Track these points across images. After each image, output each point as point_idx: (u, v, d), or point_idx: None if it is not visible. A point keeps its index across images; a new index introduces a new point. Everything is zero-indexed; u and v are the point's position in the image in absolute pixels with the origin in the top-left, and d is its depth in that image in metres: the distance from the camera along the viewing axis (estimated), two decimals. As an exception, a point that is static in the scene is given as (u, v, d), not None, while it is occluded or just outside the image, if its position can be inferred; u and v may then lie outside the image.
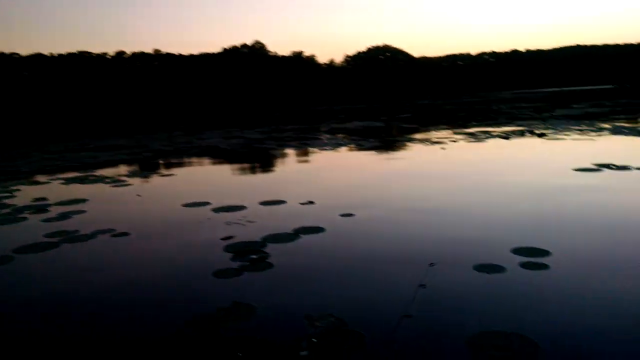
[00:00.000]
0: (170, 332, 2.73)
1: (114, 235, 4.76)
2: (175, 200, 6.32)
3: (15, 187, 7.96)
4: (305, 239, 4.35)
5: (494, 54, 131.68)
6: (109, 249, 4.37)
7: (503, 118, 21.15)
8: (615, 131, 12.73)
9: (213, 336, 2.66)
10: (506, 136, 12.82)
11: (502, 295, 3.00)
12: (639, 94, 46.66)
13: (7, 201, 6.78)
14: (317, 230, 4.59)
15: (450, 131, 15.44)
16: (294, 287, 3.31)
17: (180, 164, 10.57)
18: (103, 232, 4.89)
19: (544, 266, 3.41)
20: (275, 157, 11.28)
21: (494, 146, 11.08)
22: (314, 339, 2.52)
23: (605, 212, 4.87)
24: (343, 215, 5.09)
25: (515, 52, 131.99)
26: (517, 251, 3.72)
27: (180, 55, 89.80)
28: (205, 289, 3.35)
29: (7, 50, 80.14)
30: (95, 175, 8.96)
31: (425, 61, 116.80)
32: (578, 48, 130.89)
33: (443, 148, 10.90)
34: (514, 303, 2.89)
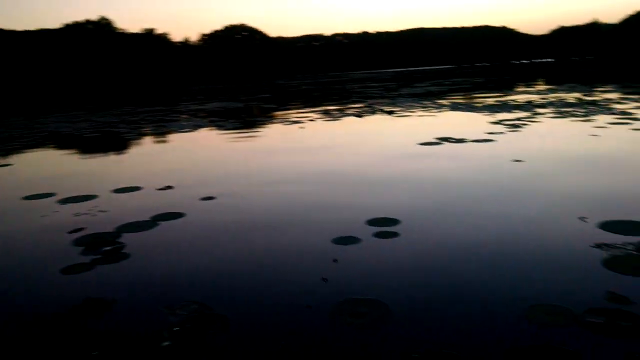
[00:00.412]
0: (15, 334, 2.48)
1: (-63, 238, 4.16)
2: (13, 193, 5.71)
3: None
4: (163, 225, 4.20)
5: (346, 35, 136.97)
6: None
7: (356, 97, 22.20)
8: (454, 107, 14.04)
9: (63, 336, 2.46)
10: (359, 114, 13.48)
11: (358, 265, 3.19)
12: (474, 74, 51.80)
13: None
14: (177, 215, 4.45)
15: (307, 110, 15.84)
16: (153, 277, 3.18)
17: (19, 153, 9.51)
18: None
19: (395, 234, 3.67)
20: (129, 141, 10.65)
21: (348, 124, 11.59)
22: (175, 328, 2.46)
23: (447, 181, 5.36)
24: (203, 199, 5.00)
25: (365, 34, 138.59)
26: (371, 222, 3.96)
27: (14, 31, 80.00)
28: (53, 287, 3.08)
29: None
30: None
31: (282, 41, 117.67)
32: (421, 31, 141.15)
33: (301, 127, 11.15)
34: (368, 271, 3.08)
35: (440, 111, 13.13)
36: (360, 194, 5.01)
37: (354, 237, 3.64)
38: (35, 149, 9.97)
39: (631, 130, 8.02)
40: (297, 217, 4.30)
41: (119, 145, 10.21)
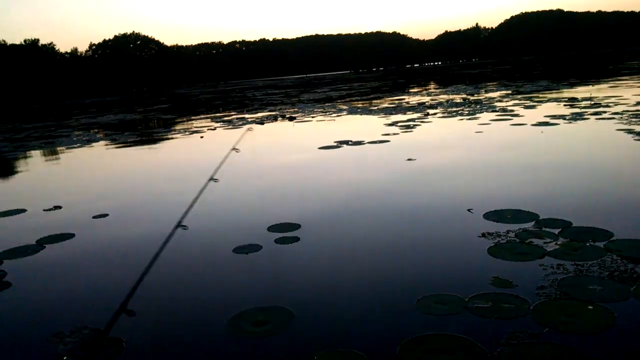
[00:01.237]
0: None
1: None
2: None
3: None
4: (50, 249, 3.91)
5: (244, 43, 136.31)
6: None
7: (257, 104, 22.16)
8: (351, 111, 14.45)
9: None
10: (261, 121, 13.47)
11: (260, 273, 3.18)
12: (370, 79, 53.65)
13: None
14: (66, 237, 4.17)
15: (208, 119, 15.57)
16: (38, 306, 2.95)
17: None
18: None
19: (295, 239, 3.70)
20: (12, 160, 9.84)
21: (249, 131, 11.51)
22: (65, 357, 2.30)
23: (345, 182, 5.50)
24: (96, 217, 4.73)
25: (263, 41, 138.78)
26: (272, 228, 3.96)
27: None
28: None
29: None
30: None
31: (179, 50, 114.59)
32: (317, 37, 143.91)
33: (201, 136, 10.93)
34: (270, 278, 3.08)
35: (339, 115, 13.46)
36: (261, 200, 5.00)
37: (256, 244, 3.62)
38: None
39: (511, 126, 8.71)
40: (197, 228, 4.20)
41: (1, 166, 9.40)
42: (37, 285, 3.24)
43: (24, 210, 5.24)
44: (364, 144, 8.01)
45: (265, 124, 12.73)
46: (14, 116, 27.59)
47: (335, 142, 8.34)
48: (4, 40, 79.96)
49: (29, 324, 2.73)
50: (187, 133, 11.96)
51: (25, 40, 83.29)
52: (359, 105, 16.98)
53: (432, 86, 27.27)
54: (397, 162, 6.38)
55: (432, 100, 16.36)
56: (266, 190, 5.47)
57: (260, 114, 15.99)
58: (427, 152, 6.89)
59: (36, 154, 10.54)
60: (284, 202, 4.85)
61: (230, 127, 12.71)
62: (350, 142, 8.20)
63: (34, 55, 79.69)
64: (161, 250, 2.14)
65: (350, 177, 5.73)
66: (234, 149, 4.06)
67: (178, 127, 14.15)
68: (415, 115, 11.65)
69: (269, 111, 16.99)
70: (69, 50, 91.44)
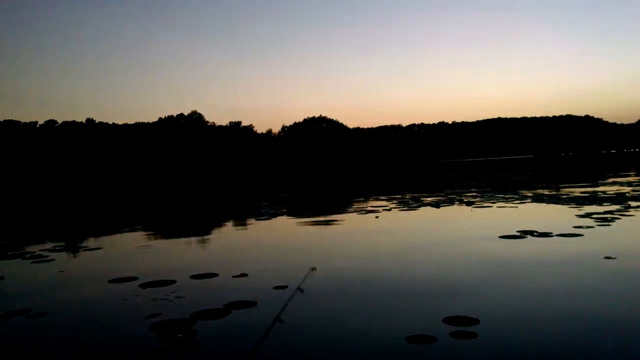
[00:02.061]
0: None
1: (30, 317, 4.41)
2: (100, 276, 6.01)
3: None
4: (235, 314, 4.21)
5: (423, 126, 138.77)
6: (23, 332, 4.03)
7: (433, 186, 22.01)
8: (537, 199, 13.50)
9: None
10: (436, 204, 13.28)
11: (434, 367, 3.00)
12: (556, 163, 50.12)
13: None
14: (249, 304, 4.46)
15: (383, 199, 15.84)
16: (222, 367, 3.15)
17: (108, 237, 10.14)
18: (18, 312, 4.53)
19: (473, 335, 3.45)
20: (210, 228, 11.07)
21: (424, 214, 11.42)
22: None
23: (530, 280, 5.05)
24: (277, 288, 5.00)
25: (442, 124, 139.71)
26: (448, 320, 3.75)
27: (115, 124, 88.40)
28: (127, 373, 3.13)
29: None
30: (13, 251, 8.40)
31: (360, 132, 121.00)
32: (499, 120, 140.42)
33: (377, 217, 11.11)
34: (445, 375, 2.88)
35: (522, 202, 12.67)
36: (438, 288, 4.81)
37: (430, 335, 3.46)
38: (123, 234, 10.58)
39: None
40: (370, 310, 4.17)
41: (200, 232, 10.62)
42: (221, 349, 3.47)
43: (216, 275, 5.77)
44: (551, 236, 7.35)
45: (440, 207, 12.51)
46: (216, 187, 31.28)
47: (518, 231, 7.80)
48: (214, 122, 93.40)
49: (212, 385, 2.90)
50: (363, 212, 12.27)
51: (230, 122, 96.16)
52: (545, 192, 15.83)
53: (632, 175, 24.38)
54: (592, 260, 5.70)
55: (633, 191, 14.57)
56: (442, 277, 5.26)
57: (435, 197, 15.81)
58: (629, 251, 6.05)
59: (230, 223, 11.71)
60: (461, 293, 4.59)
61: (405, 208, 12.74)
62: (535, 233, 7.59)
63: (237, 134, 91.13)
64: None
65: (535, 273, 5.25)
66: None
67: (354, 205, 14.63)
68: (613, 207, 10.44)
69: (445, 194, 16.72)
70: (264, 131, 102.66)
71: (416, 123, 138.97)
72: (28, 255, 7.83)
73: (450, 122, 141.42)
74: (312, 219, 11.53)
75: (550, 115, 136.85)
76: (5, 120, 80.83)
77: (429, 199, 15.25)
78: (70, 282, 5.99)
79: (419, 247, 7.27)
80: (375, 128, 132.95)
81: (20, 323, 4.27)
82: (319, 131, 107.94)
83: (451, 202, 13.64)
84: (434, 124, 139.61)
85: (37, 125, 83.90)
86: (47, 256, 7.73)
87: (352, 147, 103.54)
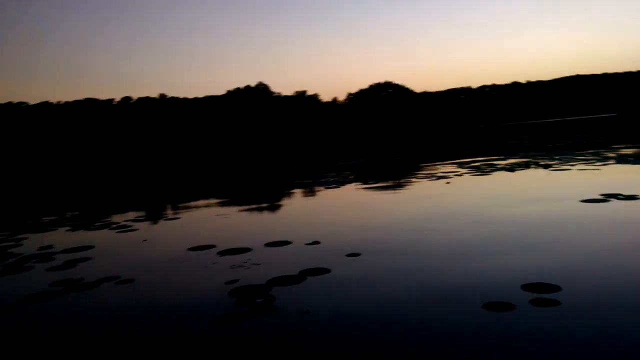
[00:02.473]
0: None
1: (119, 283, 4.73)
2: (180, 244, 6.30)
3: (21, 236, 7.97)
4: (310, 280, 4.30)
5: (494, 87, 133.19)
6: (113, 297, 4.33)
7: (507, 150, 21.21)
8: (620, 160, 12.70)
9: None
10: (511, 168, 12.81)
11: (513, 335, 2.93)
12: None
13: (12, 250, 6.78)
14: (323, 271, 4.54)
15: (454, 165, 15.47)
16: (300, 332, 3.24)
17: (186, 207, 10.58)
18: (108, 279, 4.86)
19: (555, 302, 3.33)
20: (281, 197, 11.28)
21: (499, 179, 11.05)
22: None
23: (613, 244, 4.79)
24: (349, 255, 5.05)
25: (515, 84, 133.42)
26: (527, 287, 3.65)
27: (185, 99, 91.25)
28: (208, 336, 3.28)
29: (15, 99, 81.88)
30: (101, 222, 8.97)
31: (427, 96, 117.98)
32: (577, 78, 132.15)
33: (448, 182, 10.88)
34: (524, 342, 2.81)
35: (605, 164, 11.96)
36: (516, 254, 4.67)
37: (508, 302, 3.38)
38: (199, 203, 11.02)
39: None
40: (446, 274, 4.12)
41: (272, 201, 10.86)
42: (299, 314, 3.56)
43: (289, 243, 5.90)
44: (638, 198, 6.90)
45: (515, 171, 12.06)
46: (284, 157, 31.78)
47: (601, 194, 7.39)
48: (280, 93, 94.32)
49: (291, 349, 3.00)
50: (433, 178, 12.05)
51: (295, 92, 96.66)
52: (629, 153, 14.85)
53: None
54: (686, 223, 5.31)
55: None
56: (518, 243, 5.09)
57: (510, 161, 15.24)
58: None
59: (299, 192, 11.87)
60: (539, 259, 4.43)
61: (477, 173, 12.39)
62: (620, 196, 7.17)
63: (302, 103, 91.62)
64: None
65: (621, 238, 4.97)
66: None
67: (424, 171, 14.39)
68: None
69: (520, 157, 16.07)
70: (329, 100, 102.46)
71: (487, 84, 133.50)
72: (114, 226, 8.34)
73: (524, 82, 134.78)
74: (381, 185, 11.47)
75: (635, 70, 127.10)
76: (85, 99, 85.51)
77: (502, 162, 14.73)
78: (153, 250, 6.33)
79: (494, 211, 7.06)
80: (444, 91, 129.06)
81: (110, 289, 4.58)
82: (384, 97, 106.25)
83: (526, 166, 13.11)
84: (506, 85, 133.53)
85: (114, 102, 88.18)
86: (130, 226, 8.20)
87: (420, 112, 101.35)
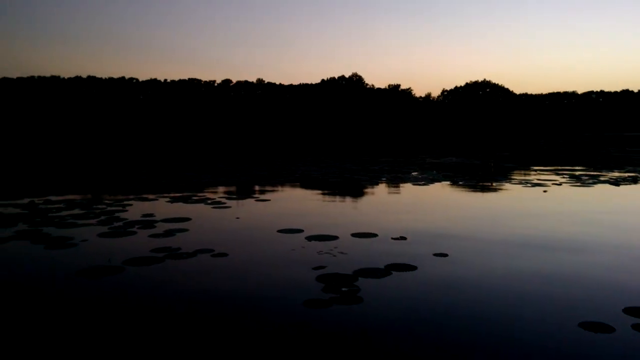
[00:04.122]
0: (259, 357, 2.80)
1: (214, 256, 5.00)
2: (270, 226, 6.54)
3: (127, 202, 8.62)
4: (396, 276, 4.31)
5: (602, 93, 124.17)
6: (208, 269, 4.59)
7: (612, 162, 19.78)
8: None
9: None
10: (616, 182, 11.96)
11: (609, 358, 2.78)
12: None
13: (119, 215, 7.36)
14: (409, 268, 4.53)
15: (552, 173, 14.68)
16: (384, 325, 3.27)
17: (275, 190, 10.91)
18: (203, 251, 5.15)
19: (660, 331, 3.11)
20: (367, 188, 11.31)
21: (601, 192, 10.37)
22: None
23: None
24: (436, 255, 4.99)
25: (626, 92, 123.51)
26: (629, 311, 3.43)
27: (281, 85, 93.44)
28: (295, 318, 3.40)
29: (127, 75, 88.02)
30: (198, 196, 9.49)
31: (527, 98, 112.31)
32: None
33: (545, 191, 10.37)
34: (624, 368, 2.66)
35: None
36: (620, 275, 4.40)
37: (607, 324, 3.20)
38: (287, 188, 11.32)
39: None
40: (537, 290, 3.97)
41: (358, 191, 10.92)
42: (384, 307, 3.59)
43: (375, 235, 5.93)
44: None
45: (621, 186, 11.24)
46: (371, 149, 31.68)
47: None
48: (373, 85, 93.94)
49: (376, 341, 3.04)
50: (529, 185, 11.53)
51: (389, 85, 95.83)
52: None
53: None
54: None
55: None
56: (623, 265, 4.78)
57: (615, 174, 14.21)
58: None
59: (386, 185, 11.83)
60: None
61: (577, 183, 11.69)
62: None
63: (395, 97, 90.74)
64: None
65: None
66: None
67: (519, 177, 13.79)
68: None
69: (627, 171, 14.94)
70: (423, 95, 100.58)
71: (594, 90, 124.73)
72: (209, 201, 8.79)
73: (636, 91, 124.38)
74: (471, 188, 11.15)
75: None
76: (189, 79, 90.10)
77: (606, 175, 13.77)
78: (245, 228, 6.62)
79: (596, 227, 6.65)
80: (546, 94, 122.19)
81: (205, 260, 4.86)
82: (481, 96, 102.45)
83: (634, 181, 12.17)
84: (615, 92, 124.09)
85: (215, 84, 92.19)
86: (224, 203, 8.61)
87: (519, 114, 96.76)
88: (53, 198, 9.07)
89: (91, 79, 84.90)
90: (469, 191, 10.55)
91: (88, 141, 37.77)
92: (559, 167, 17.01)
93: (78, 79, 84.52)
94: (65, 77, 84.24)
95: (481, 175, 14.74)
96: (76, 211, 7.69)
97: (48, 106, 74.85)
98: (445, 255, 4.99)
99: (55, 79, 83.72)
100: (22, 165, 16.84)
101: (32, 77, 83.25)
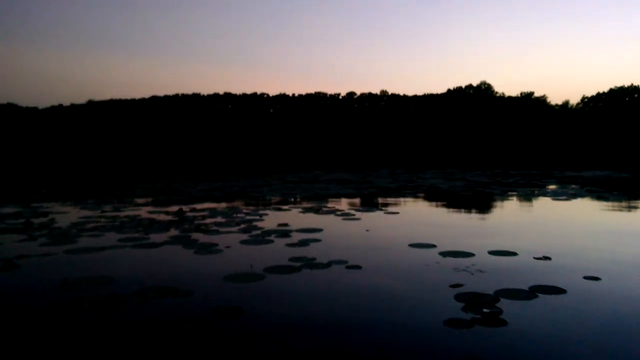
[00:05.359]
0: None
1: (348, 267, 5.06)
2: (401, 239, 6.47)
3: (263, 212, 9.09)
4: (543, 299, 4.02)
5: None
6: (343, 280, 4.65)
7: None
8: None
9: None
10: None
11: None
12: None
13: (257, 224, 7.77)
14: (558, 291, 4.20)
15: None
16: (533, 351, 3.06)
17: (403, 202, 10.81)
18: (337, 262, 5.24)
19: None
20: (500, 203, 10.77)
21: None
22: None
23: None
24: (587, 278, 4.57)
25: None
26: None
27: (405, 96, 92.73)
28: (437, 337, 3.31)
29: (258, 91, 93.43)
30: (327, 207, 9.71)
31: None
32: None
33: None
34: None
35: None
36: None
37: None
38: (416, 200, 11.15)
39: None
40: None
41: (491, 206, 10.43)
42: (531, 332, 3.36)
43: (514, 254, 5.60)
44: None
45: None
46: (503, 161, 30.17)
47: None
48: (503, 93, 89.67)
49: (524, 368, 2.85)
50: (693, 202, 10.18)
51: (521, 93, 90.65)
52: None
53: None
54: None
55: None
56: None
57: None
58: None
59: (521, 200, 11.15)
60: None
61: None
62: None
63: (528, 105, 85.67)
64: None
65: None
66: None
67: (680, 193, 12.24)
68: None
69: None
70: (560, 102, 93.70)
71: None
72: (339, 213, 8.95)
73: None
74: (622, 204, 10.10)
75: None
76: (315, 92, 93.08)
77: None
78: (376, 240, 6.63)
79: None
80: None
81: (339, 271, 4.94)
82: (628, 102, 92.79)
83: None
84: None
85: (340, 97, 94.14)
86: (353, 215, 8.71)
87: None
88: (198, 206, 9.85)
89: (227, 95, 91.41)
90: (618, 209, 9.57)
91: (228, 152, 40.56)
92: None
93: (216, 95, 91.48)
94: (205, 95, 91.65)
95: (632, 190, 13.31)
96: (219, 219, 8.27)
97: (190, 120, 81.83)
98: (598, 278, 4.56)
99: (196, 96, 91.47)
100: (169, 174, 18.53)
101: (177, 94, 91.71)
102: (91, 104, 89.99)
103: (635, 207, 9.84)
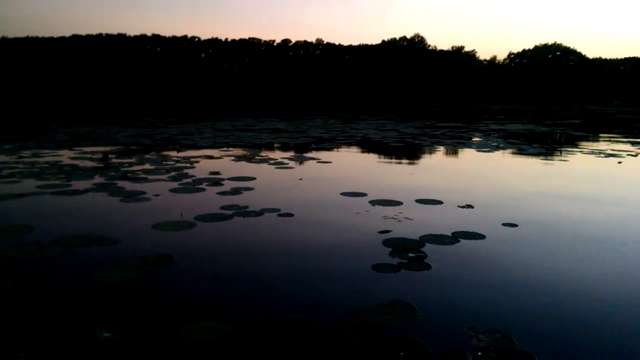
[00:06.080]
0: (330, 322, 2.86)
1: (280, 215, 5.09)
2: (333, 188, 6.56)
3: (194, 160, 8.89)
4: (464, 244, 4.25)
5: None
6: (275, 228, 4.69)
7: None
8: None
9: (375, 334, 2.72)
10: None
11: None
12: None
13: (188, 171, 7.60)
14: (478, 236, 4.45)
15: (628, 143, 13.88)
16: (454, 293, 3.25)
17: (336, 152, 10.90)
18: (270, 210, 5.26)
19: None
20: (429, 154, 11.11)
21: (684, 166, 9.71)
22: (478, 353, 2.46)
23: None
24: (505, 225, 4.87)
25: None
26: None
27: (340, 45, 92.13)
28: (364, 281, 3.43)
29: (189, 34, 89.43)
30: (260, 156, 9.64)
31: (601, 63, 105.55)
32: None
33: (620, 162, 9.84)
34: None
35: None
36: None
37: (693, 306, 3.04)
38: (348, 150, 11.28)
39: None
40: (608, 270, 3.81)
41: (420, 156, 10.75)
42: (453, 275, 3.56)
43: (440, 202, 5.84)
44: None
45: None
46: (433, 113, 30.96)
47: None
48: (435, 46, 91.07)
49: (445, 308, 3.03)
50: (602, 155, 10.97)
51: (452, 47, 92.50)
52: None
53: None
54: None
55: None
56: None
57: (699, 147, 13.24)
58: None
59: (448, 151, 11.57)
60: None
61: (656, 156, 10.99)
62: None
63: (458, 60, 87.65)
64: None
65: None
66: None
67: (590, 146, 13.13)
68: None
69: None
70: (488, 58, 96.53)
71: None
72: (272, 162, 8.91)
73: None
74: (539, 156, 10.72)
75: None
76: (249, 38, 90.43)
77: (688, 148, 12.86)
78: (309, 189, 6.68)
79: (675, 203, 6.27)
80: (622, 59, 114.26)
81: (272, 219, 4.96)
82: (551, 60, 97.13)
83: None
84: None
85: (274, 44, 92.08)
86: (287, 164, 8.70)
87: (593, 80, 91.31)
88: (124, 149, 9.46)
89: (155, 37, 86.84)
90: (536, 160, 10.15)
91: (156, 97, 38.92)
92: (636, 137, 16.04)
93: (143, 37, 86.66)
94: (131, 35, 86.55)
95: (549, 143, 14.13)
96: (147, 166, 8.01)
97: (115, 62, 77.43)
98: (515, 225, 4.86)
99: (121, 37, 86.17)
100: (90, 114, 17.61)
101: (100, 34, 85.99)
102: (5, 41, 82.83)
103: (552, 159, 10.47)
